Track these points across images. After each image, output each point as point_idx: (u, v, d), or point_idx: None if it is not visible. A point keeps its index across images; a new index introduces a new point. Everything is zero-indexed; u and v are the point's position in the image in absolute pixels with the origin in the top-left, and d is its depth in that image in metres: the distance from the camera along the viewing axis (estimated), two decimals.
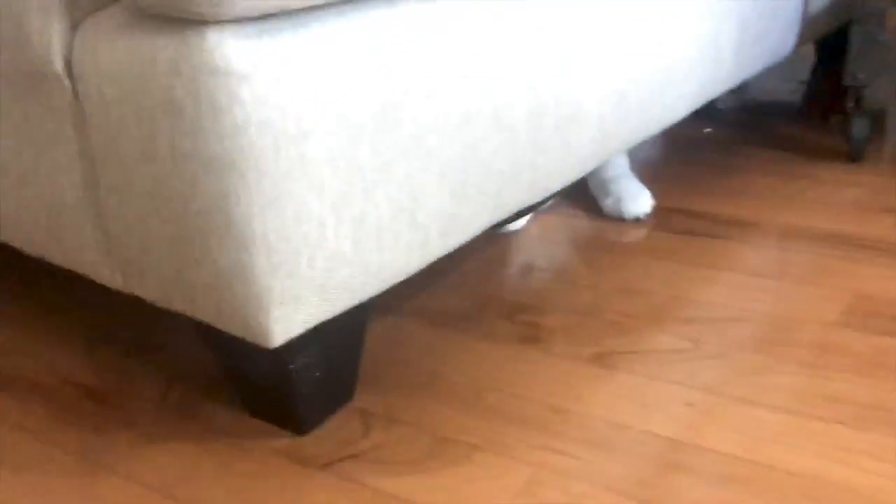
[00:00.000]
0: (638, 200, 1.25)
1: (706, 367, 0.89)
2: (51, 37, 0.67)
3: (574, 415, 0.84)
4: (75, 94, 0.69)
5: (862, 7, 1.33)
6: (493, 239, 1.24)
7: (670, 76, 1.09)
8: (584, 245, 1.21)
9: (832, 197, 1.29)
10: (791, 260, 1.11)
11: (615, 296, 1.06)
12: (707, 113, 1.75)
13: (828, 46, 2.00)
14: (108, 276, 0.78)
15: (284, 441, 0.83)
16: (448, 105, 0.74)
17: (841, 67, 1.38)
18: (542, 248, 1.21)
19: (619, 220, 1.26)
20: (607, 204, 1.27)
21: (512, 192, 0.87)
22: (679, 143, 1.60)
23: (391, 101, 0.69)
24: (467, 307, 1.06)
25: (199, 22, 0.59)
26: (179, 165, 0.63)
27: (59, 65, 0.68)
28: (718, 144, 1.57)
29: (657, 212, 1.28)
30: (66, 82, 0.68)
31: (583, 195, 1.32)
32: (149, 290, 0.75)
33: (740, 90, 1.90)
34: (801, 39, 1.51)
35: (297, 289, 0.67)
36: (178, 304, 0.73)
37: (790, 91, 1.88)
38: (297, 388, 0.79)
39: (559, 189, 0.98)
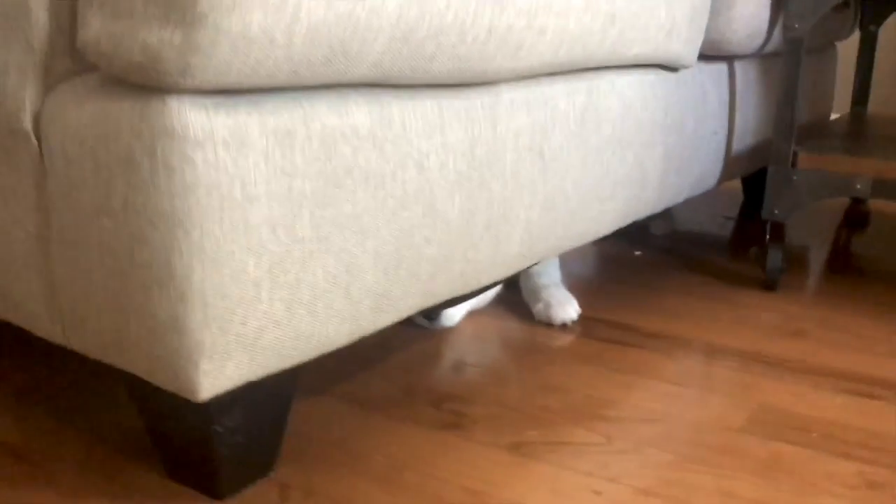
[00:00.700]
0: (565, 308, 1.32)
1: (615, 461, 0.94)
2: (24, 97, 0.73)
3: (488, 497, 0.87)
4: (40, 150, 0.74)
5: (776, 150, 1.46)
6: (428, 334, 1.29)
7: (597, 192, 1.18)
8: (512, 345, 1.26)
9: (747, 320, 1.38)
10: (704, 372, 1.18)
11: (537, 392, 1.10)
12: (639, 237, 1.86)
13: (754, 186, 2.15)
14: (49, 328, 0.81)
15: None
16: (386, 190, 0.81)
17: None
18: (473, 344, 1.26)
19: (548, 325, 1.33)
20: (538, 309, 1.34)
21: (443, 279, 0.93)
22: (610, 262, 1.69)
23: (333, 180, 0.75)
24: (395, 394, 1.10)
25: (163, 90, 0.65)
26: (131, 219, 0.68)
27: (28, 123, 0.73)
28: (647, 266, 1.66)
29: (584, 320, 1.35)
30: (33, 139, 0.74)
31: (516, 301, 1.39)
32: (86, 343, 0.78)
33: (671, 219, 2.02)
34: (724, 176, 1.64)
35: (227, 345, 0.71)
36: (112, 357, 0.76)
37: (720, 225, 2.01)
38: (219, 451, 0.82)
39: (489, 283, 1.05)
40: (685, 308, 1.42)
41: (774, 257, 1.49)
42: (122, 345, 0.74)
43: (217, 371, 0.71)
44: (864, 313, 1.41)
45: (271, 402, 0.85)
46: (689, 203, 2.16)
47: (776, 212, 1.48)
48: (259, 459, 0.88)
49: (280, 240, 0.72)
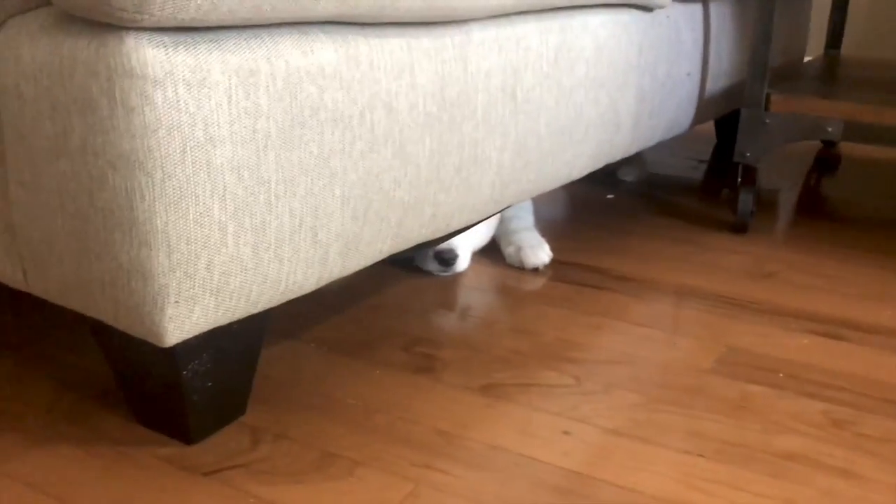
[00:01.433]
0: (537, 252, 1.32)
1: (585, 402, 0.95)
2: None
3: (457, 438, 0.88)
4: None
5: (749, 92, 1.45)
6: (403, 279, 1.29)
7: (570, 135, 1.17)
8: (484, 289, 1.26)
9: (716, 262, 1.38)
10: (673, 314, 1.19)
11: (508, 335, 1.11)
12: (611, 182, 1.86)
13: (727, 129, 2.15)
14: (10, 273, 0.79)
15: (171, 449, 0.84)
16: (354, 132, 0.79)
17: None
18: (444, 288, 1.26)
19: (520, 268, 1.33)
20: (509, 253, 1.33)
21: (414, 223, 0.92)
22: (582, 206, 1.69)
23: (299, 120, 0.73)
24: (366, 337, 1.09)
25: (120, 27, 0.63)
26: (89, 161, 0.66)
27: None
28: (619, 210, 1.66)
29: (555, 264, 1.35)
30: None
31: (489, 245, 1.39)
32: (49, 288, 0.77)
33: (644, 164, 2.02)
34: (698, 118, 1.63)
35: (193, 289, 0.70)
36: (76, 302, 0.75)
37: (692, 168, 2.01)
38: (188, 395, 0.81)
39: (460, 227, 1.04)
40: (656, 251, 1.43)
41: (745, 200, 1.50)
42: (86, 290, 0.72)
43: (183, 316, 0.70)
44: (833, 256, 1.42)
45: (241, 346, 0.85)
46: (661, 146, 2.16)
47: (748, 154, 1.48)
48: (229, 403, 0.88)
49: (245, 182, 0.70)
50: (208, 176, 0.68)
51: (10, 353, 1.02)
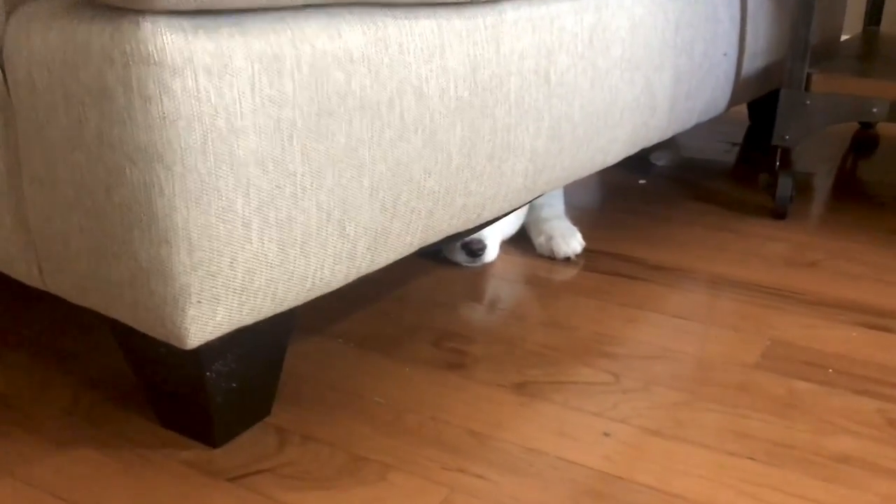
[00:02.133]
0: (569, 241, 1.27)
1: (625, 400, 0.90)
2: None
3: (491, 439, 0.84)
4: (4, 80, 0.68)
5: (789, 72, 1.39)
6: (430, 270, 1.25)
7: (605, 119, 1.12)
8: (514, 280, 1.22)
9: (756, 250, 1.33)
10: (714, 305, 1.14)
11: (540, 328, 1.07)
12: (643, 167, 1.80)
13: (761, 110, 2.08)
14: (25, 270, 0.76)
15: (194, 452, 0.81)
16: (383, 120, 0.75)
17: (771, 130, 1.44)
18: (473, 281, 1.22)
19: (550, 258, 1.28)
20: (539, 243, 1.29)
21: (444, 214, 0.88)
22: (614, 192, 1.64)
23: (326, 109, 0.69)
24: (395, 332, 1.05)
25: (136, 11, 0.59)
26: (105, 154, 0.63)
27: None
28: (652, 196, 1.61)
29: (588, 254, 1.30)
30: None
31: (517, 234, 1.34)
32: (65, 287, 0.73)
33: (676, 148, 1.96)
34: (734, 100, 1.57)
35: (216, 288, 0.66)
36: (93, 301, 0.71)
37: (724, 151, 1.95)
38: (212, 397, 0.78)
39: (492, 218, 1.00)
40: (692, 238, 1.38)
41: (785, 185, 1.44)
42: (104, 289, 0.69)
43: (206, 317, 0.67)
44: (876, 242, 1.36)
45: (266, 346, 0.81)
46: (691, 129, 2.10)
47: (787, 137, 1.42)
48: (254, 404, 0.85)
49: (270, 175, 0.66)
50: (231, 169, 0.64)
51: (25, 347, 1.00)
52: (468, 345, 1.02)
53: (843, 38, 2.05)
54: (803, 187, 1.66)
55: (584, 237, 1.31)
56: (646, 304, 1.14)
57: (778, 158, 1.45)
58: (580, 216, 1.46)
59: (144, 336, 0.71)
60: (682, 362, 0.98)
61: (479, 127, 0.88)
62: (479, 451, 0.82)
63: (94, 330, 1.04)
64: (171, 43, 0.59)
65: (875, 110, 1.36)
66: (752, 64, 1.58)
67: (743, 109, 2.19)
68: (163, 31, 0.59)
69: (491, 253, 1.25)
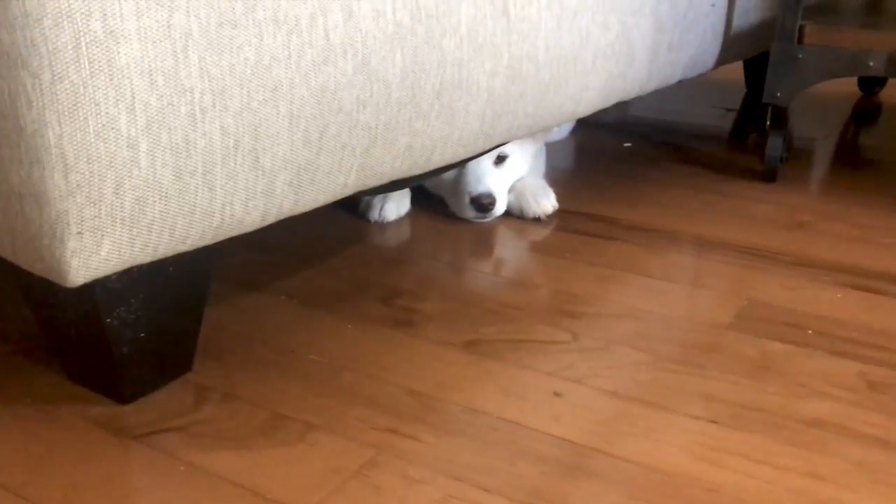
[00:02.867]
0: (540, 200, 1.19)
1: (582, 360, 0.83)
2: None
3: (431, 399, 0.76)
4: None
5: (781, 24, 1.30)
6: (389, 229, 1.17)
7: (575, 65, 1.04)
8: (480, 240, 1.14)
9: (741, 211, 1.25)
10: (690, 266, 1.06)
11: (501, 287, 0.99)
12: (628, 130, 1.72)
13: (758, 76, 1.99)
14: None
15: (104, 409, 0.74)
16: (303, 38, 0.67)
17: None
18: (433, 238, 1.14)
19: (520, 218, 1.20)
20: (509, 200, 1.21)
21: (385, 154, 0.80)
22: (598, 155, 1.56)
23: (229, 18, 0.61)
24: (343, 289, 0.98)
25: None
26: None
27: None
28: (637, 159, 1.52)
29: (562, 214, 1.22)
30: None
31: None
32: None
33: (624, 105, 1.87)
34: (724, 57, 1.49)
35: (100, 218, 0.59)
36: None
37: (719, 116, 1.86)
38: (116, 347, 0.70)
39: (444, 164, 0.92)
40: (675, 200, 1.29)
41: (774, 145, 1.35)
42: None
43: (89, 250, 0.59)
44: (871, 205, 1.28)
45: (179, 293, 0.74)
46: (684, 93, 2.01)
47: (778, 94, 1.34)
48: (171, 359, 0.77)
49: (159, 90, 0.59)
50: (110, 79, 0.56)
51: None
52: (420, 303, 0.95)
53: None
54: (801, 153, 1.57)
55: (561, 198, 1.23)
56: (617, 263, 1.06)
57: (769, 117, 1.36)
58: (560, 177, 1.38)
59: (42, 278, 0.64)
60: (648, 322, 0.90)
61: (424, 59, 0.80)
62: (416, 412, 0.74)
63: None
64: None
65: (871, 64, 1.27)
66: (743, 19, 1.49)
67: (740, 76, 2.10)
68: None
69: (500, 207, 1.18)
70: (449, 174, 1.17)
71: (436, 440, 0.70)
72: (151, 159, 0.60)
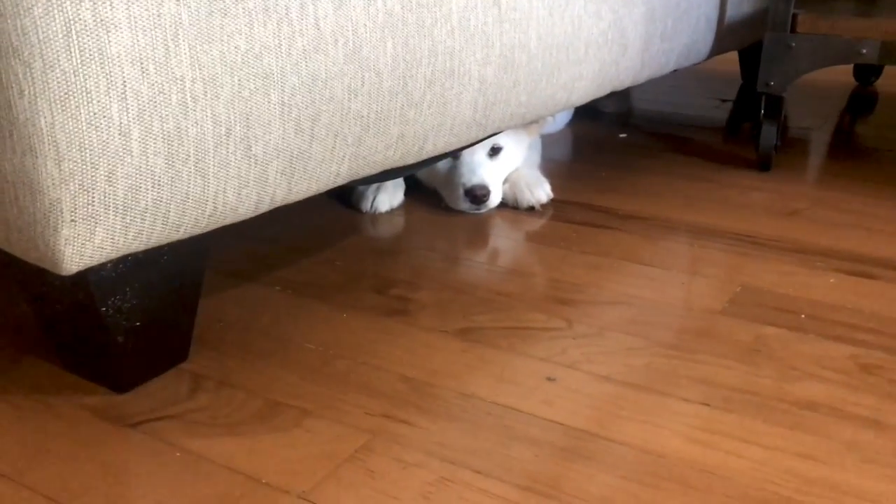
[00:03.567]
0: (534, 190, 1.20)
1: (575, 346, 0.83)
2: None
3: (425, 385, 0.77)
4: None
5: (774, 13, 1.31)
6: (385, 220, 1.18)
7: (567, 53, 1.04)
8: (475, 230, 1.15)
9: (735, 199, 1.25)
10: (684, 253, 1.06)
11: (495, 276, 0.99)
12: (623, 121, 1.72)
13: (754, 67, 1.99)
14: None
15: (100, 398, 0.74)
16: (293, 27, 0.68)
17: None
18: (429, 229, 1.15)
19: (514, 208, 1.21)
20: (504, 191, 1.21)
21: (377, 143, 0.81)
22: (593, 145, 1.56)
23: (219, 7, 0.62)
24: (337, 279, 0.98)
25: None
26: None
27: None
28: (632, 149, 1.53)
29: (557, 204, 1.23)
30: None
31: None
32: None
33: (626, 95, 1.87)
34: (718, 47, 1.49)
35: (93, 206, 0.59)
36: None
37: (714, 107, 1.86)
38: (112, 336, 0.71)
39: (437, 153, 0.92)
40: (669, 189, 1.30)
41: (768, 133, 1.36)
42: None
43: (82, 237, 0.60)
44: (864, 192, 1.28)
45: (174, 281, 0.74)
46: (679, 84, 2.02)
47: (772, 83, 1.34)
48: (167, 348, 0.78)
49: (151, 79, 0.59)
50: (102, 68, 0.56)
51: None
52: (414, 292, 0.95)
53: None
54: (796, 142, 1.57)
55: (556, 188, 1.24)
56: (612, 252, 1.06)
57: (763, 106, 1.36)
58: (555, 168, 1.39)
59: (37, 268, 0.64)
60: (642, 308, 0.91)
61: (416, 47, 0.81)
62: (410, 397, 0.75)
63: None
64: None
65: (864, 52, 1.27)
66: (737, 8, 1.50)
67: (736, 68, 2.10)
68: None
69: (495, 199, 1.18)
70: (443, 166, 1.18)
71: (429, 425, 0.71)
72: (143, 147, 0.60)
